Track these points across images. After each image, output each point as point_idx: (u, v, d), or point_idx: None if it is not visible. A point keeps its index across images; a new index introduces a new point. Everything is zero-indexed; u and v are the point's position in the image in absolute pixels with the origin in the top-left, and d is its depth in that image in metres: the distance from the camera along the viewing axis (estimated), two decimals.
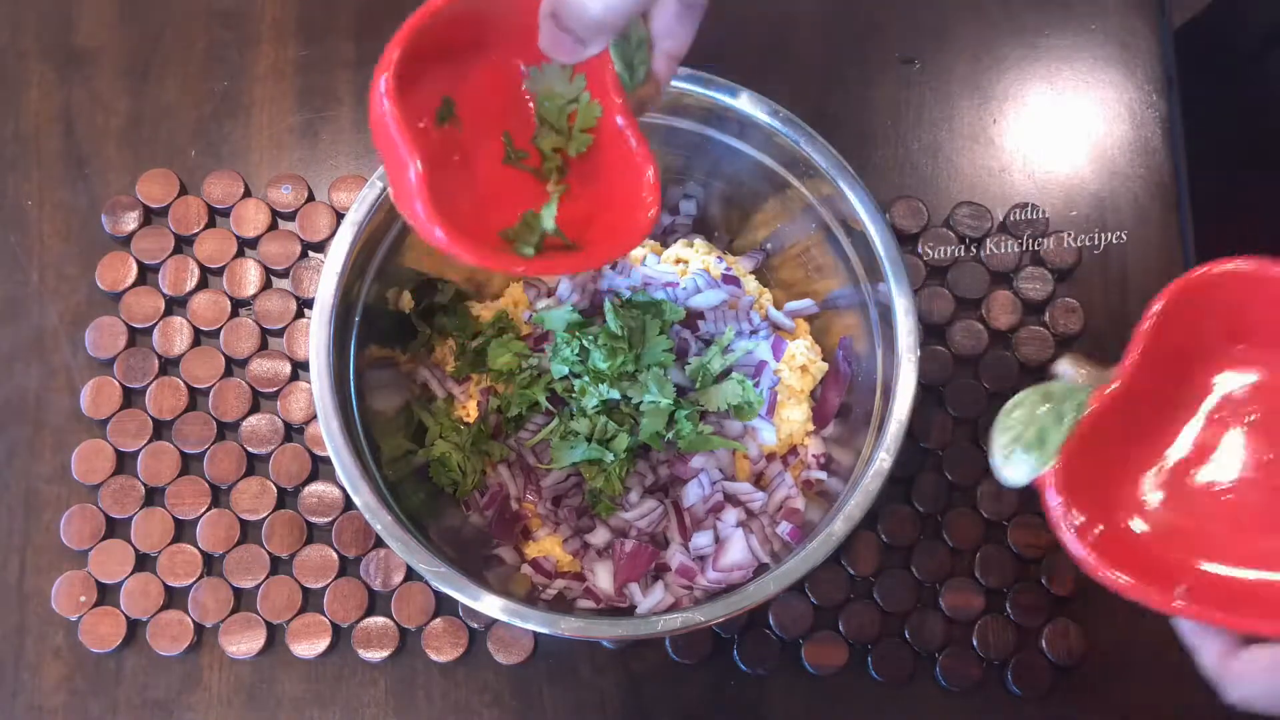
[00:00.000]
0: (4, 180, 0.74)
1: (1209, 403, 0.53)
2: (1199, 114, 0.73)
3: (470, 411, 0.63)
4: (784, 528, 0.60)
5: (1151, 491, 0.53)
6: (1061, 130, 0.74)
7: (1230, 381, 0.54)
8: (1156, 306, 0.52)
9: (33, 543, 0.67)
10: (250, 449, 0.68)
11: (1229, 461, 0.53)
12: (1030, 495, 0.53)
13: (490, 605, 0.52)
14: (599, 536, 0.61)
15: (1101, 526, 0.51)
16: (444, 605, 0.65)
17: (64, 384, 0.70)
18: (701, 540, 0.59)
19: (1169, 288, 0.51)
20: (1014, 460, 0.49)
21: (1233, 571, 0.50)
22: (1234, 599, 0.49)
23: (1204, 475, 0.53)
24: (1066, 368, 0.52)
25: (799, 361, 0.63)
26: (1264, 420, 0.52)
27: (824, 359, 0.64)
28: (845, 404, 0.62)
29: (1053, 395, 0.51)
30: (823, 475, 0.61)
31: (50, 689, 0.65)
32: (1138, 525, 0.52)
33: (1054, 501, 0.49)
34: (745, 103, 0.58)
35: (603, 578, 0.60)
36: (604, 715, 0.65)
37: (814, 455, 0.62)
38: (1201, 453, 0.53)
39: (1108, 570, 0.48)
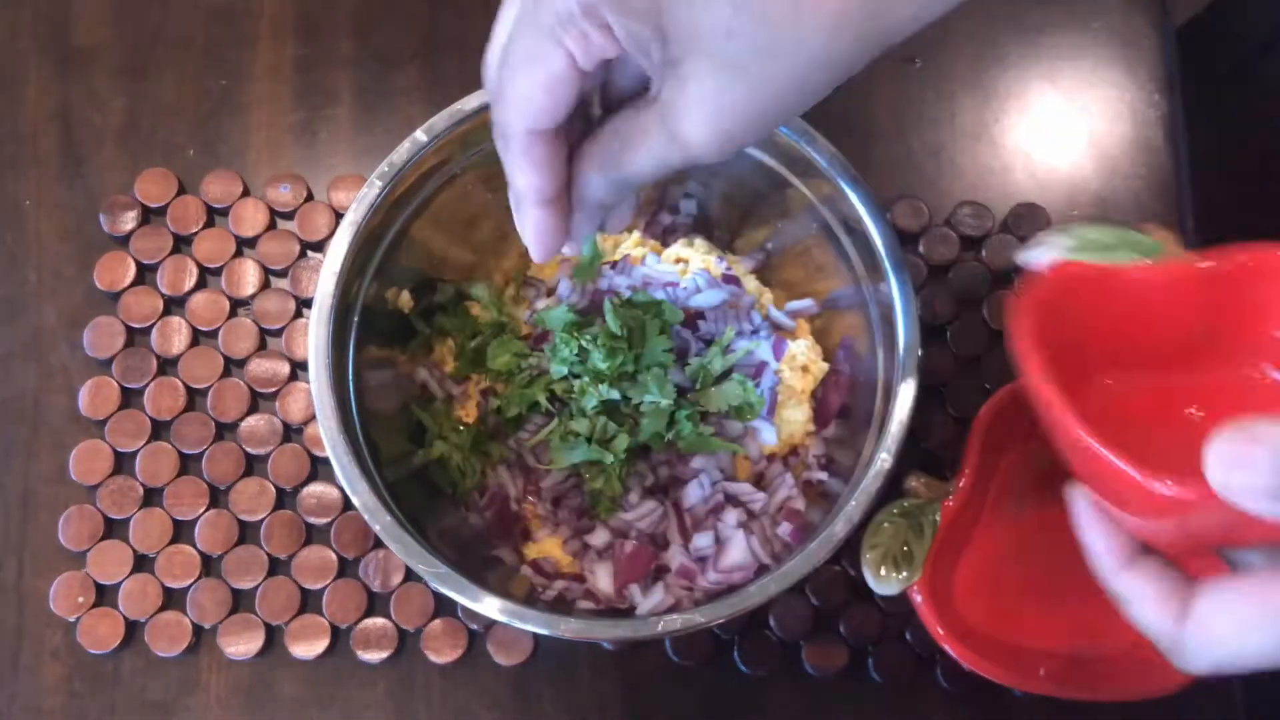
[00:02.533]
0: (1, 180, 0.74)
1: (1009, 497, 0.63)
2: (1201, 113, 0.73)
3: (470, 412, 0.63)
4: (785, 529, 0.59)
5: (972, 584, 0.62)
6: (1063, 129, 0.74)
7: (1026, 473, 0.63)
8: (983, 422, 0.60)
9: (31, 543, 0.67)
10: (249, 449, 0.68)
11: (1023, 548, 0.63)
12: None
13: (490, 606, 0.52)
14: (599, 538, 0.60)
15: (963, 621, 0.60)
16: (443, 606, 0.65)
17: (62, 384, 0.70)
18: (702, 541, 0.59)
19: (987, 404, 0.60)
20: (887, 577, 0.57)
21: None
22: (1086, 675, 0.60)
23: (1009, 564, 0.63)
24: (914, 485, 0.59)
25: (800, 361, 0.62)
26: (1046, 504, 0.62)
27: (825, 358, 0.64)
28: (846, 404, 0.62)
29: (910, 512, 0.58)
30: (824, 476, 0.61)
31: (48, 690, 0.65)
32: (983, 616, 0.61)
33: (923, 607, 0.57)
34: None
35: (603, 579, 0.59)
36: (604, 717, 0.64)
37: (815, 456, 0.62)
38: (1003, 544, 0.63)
39: (975, 660, 0.57)
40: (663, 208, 0.67)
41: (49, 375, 0.70)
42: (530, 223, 0.41)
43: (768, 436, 0.61)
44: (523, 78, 0.36)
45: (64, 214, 0.73)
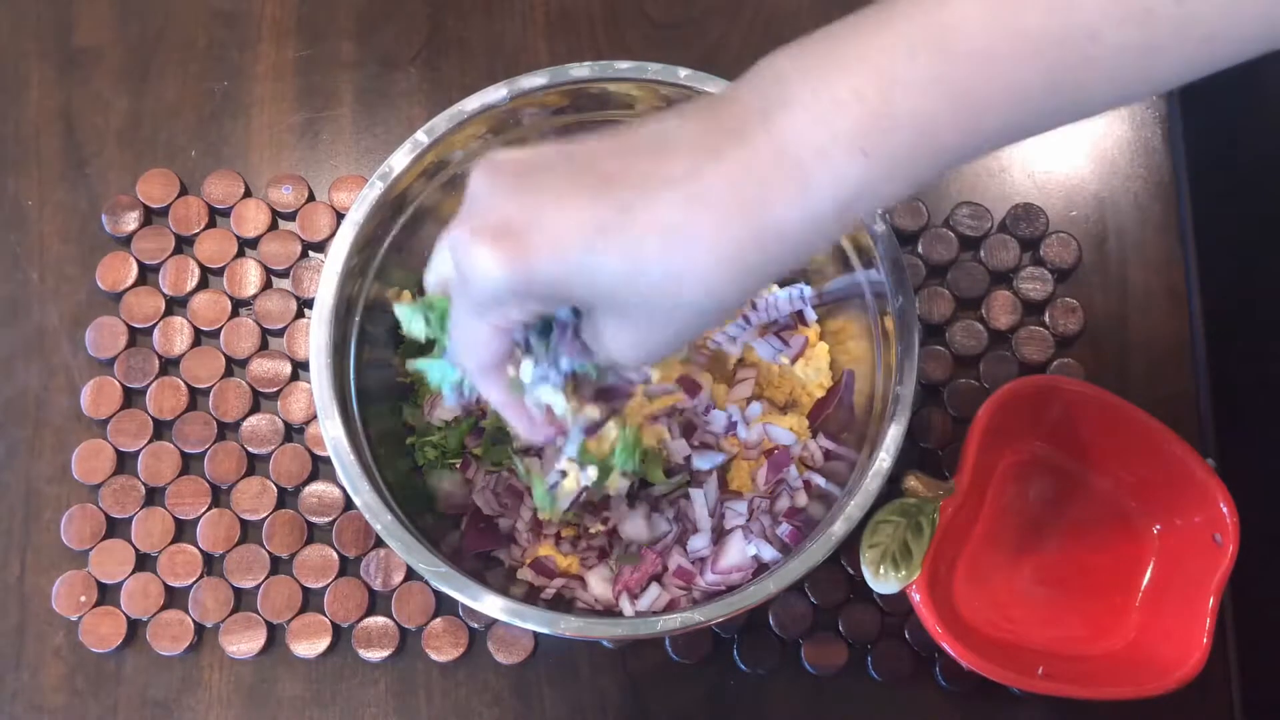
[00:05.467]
0: (4, 180, 0.74)
1: (1006, 497, 0.65)
2: (1199, 113, 0.73)
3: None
4: (784, 529, 0.60)
5: (970, 583, 0.63)
6: (1061, 130, 0.73)
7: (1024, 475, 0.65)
8: (981, 422, 0.60)
9: (33, 542, 0.68)
10: (250, 449, 0.68)
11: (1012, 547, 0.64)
12: None
13: (490, 605, 0.52)
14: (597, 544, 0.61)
15: (962, 620, 0.61)
16: (444, 605, 0.65)
17: (64, 384, 0.70)
18: (699, 543, 0.59)
19: (986, 404, 0.61)
20: (886, 576, 0.57)
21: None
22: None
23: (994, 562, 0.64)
24: (913, 484, 0.59)
25: (814, 380, 0.63)
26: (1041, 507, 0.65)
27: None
28: (845, 404, 0.62)
29: (909, 510, 0.58)
30: (821, 478, 0.61)
31: (50, 689, 0.65)
32: (982, 615, 0.62)
33: (922, 606, 0.57)
34: None
35: (596, 585, 0.59)
36: (604, 715, 0.65)
37: (815, 455, 0.62)
38: (995, 542, 0.64)
39: (973, 659, 0.57)
40: None
41: (51, 375, 0.70)
42: (514, 420, 0.47)
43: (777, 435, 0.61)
44: (462, 338, 0.44)
45: (66, 215, 0.73)
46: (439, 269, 0.47)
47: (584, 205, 0.38)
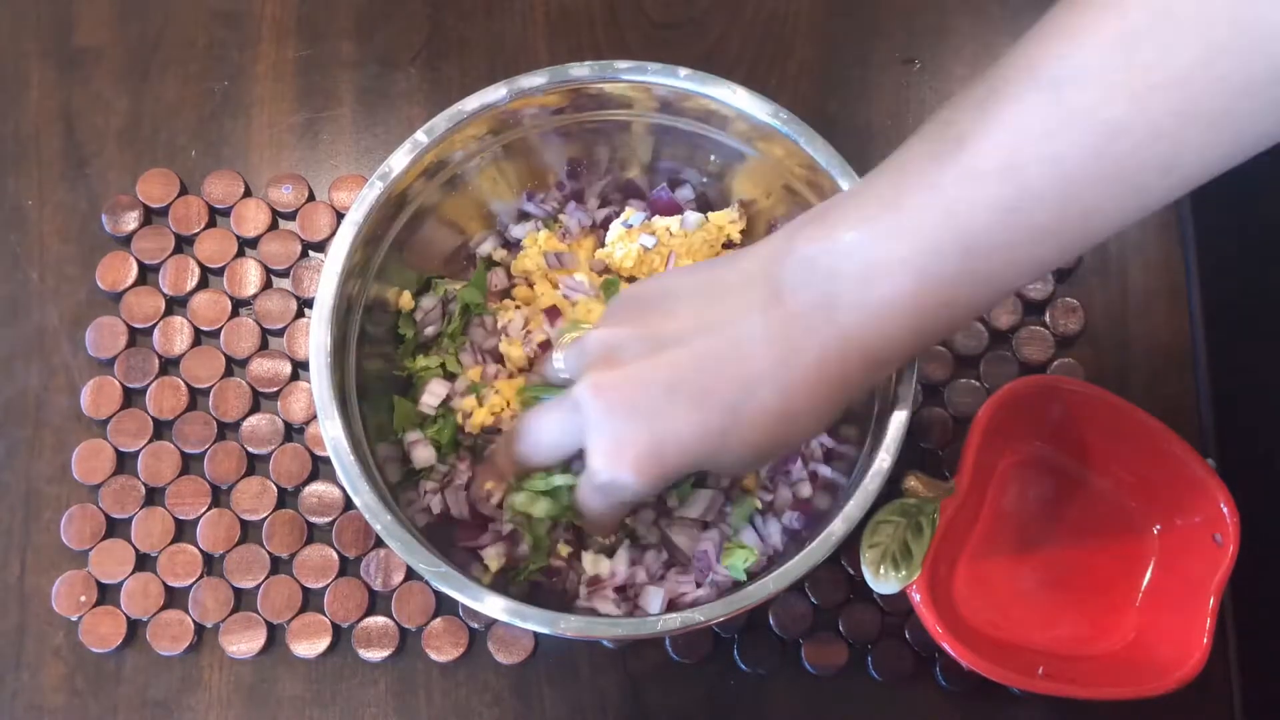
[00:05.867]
0: (4, 180, 0.74)
1: (1006, 497, 0.65)
2: None
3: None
4: (790, 517, 0.59)
5: (971, 583, 0.63)
6: None
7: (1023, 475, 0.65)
8: (981, 422, 0.60)
9: (33, 543, 0.67)
10: (250, 449, 0.68)
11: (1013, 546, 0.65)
12: None
13: (489, 605, 0.52)
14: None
15: (962, 620, 0.61)
16: (444, 605, 0.65)
17: (64, 384, 0.70)
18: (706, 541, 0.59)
19: (986, 404, 0.61)
20: (886, 576, 0.58)
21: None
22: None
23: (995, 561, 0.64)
24: (913, 484, 0.59)
25: None
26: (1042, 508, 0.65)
27: None
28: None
29: (909, 511, 0.59)
30: (828, 471, 0.61)
31: (50, 689, 0.65)
32: (982, 615, 0.62)
33: (922, 606, 0.58)
34: (745, 101, 0.58)
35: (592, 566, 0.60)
36: (604, 715, 0.65)
37: (815, 451, 0.62)
38: (994, 542, 0.64)
39: (974, 659, 0.57)
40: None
41: (51, 375, 0.70)
42: None
43: None
44: (589, 510, 0.55)
45: (66, 215, 0.73)
46: (541, 442, 0.54)
47: (698, 421, 0.46)
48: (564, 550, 0.60)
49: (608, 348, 0.48)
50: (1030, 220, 0.40)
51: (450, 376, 0.62)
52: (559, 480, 0.56)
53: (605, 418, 0.47)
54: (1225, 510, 0.59)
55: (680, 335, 0.46)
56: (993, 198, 0.40)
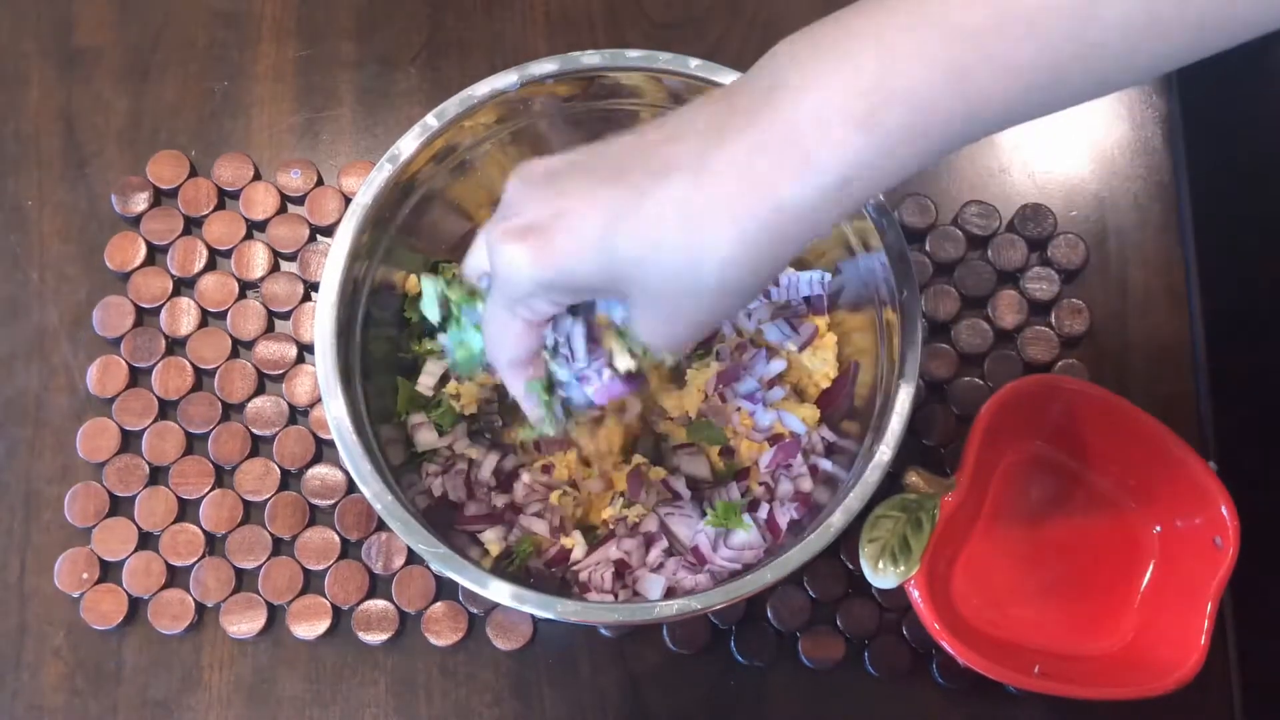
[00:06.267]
0: (4, 180, 0.74)
1: (1007, 496, 0.65)
2: (1199, 113, 0.73)
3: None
4: (791, 508, 0.60)
5: (969, 580, 0.63)
6: (1061, 130, 0.74)
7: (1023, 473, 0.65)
8: (983, 420, 0.60)
9: (33, 542, 0.68)
10: (255, 430, 0.68)
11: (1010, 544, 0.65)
12: None
13: (489, 588, 0.52)
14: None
15: (960, 617, 0.61)
16: (444, 589, 0.65)
17: (64, 384, 0.70)
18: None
19: (989, 403, 0.61)
20: (885, 570, 0.58)
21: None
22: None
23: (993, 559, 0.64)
24: (913, 479, 0.59)
25: (819, 369, 0.63)
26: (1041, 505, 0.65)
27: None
28: (848, 396, 0.62)
29: (909, 506, 0.59)
30: (828, 465, 0.61)
31: (50, 689, 0.66)
32: (980, 612, 0.62)
33: (920, 602, 0.58)
34: None
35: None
36: (604, 714, 0.65)
37: (817, 445, 0.62)
38: (994, 540, 0.64)
39: (971, 656, 0.57)
40: None
41: (51, 375, 0.70)
42: (529, 410, 0.50)
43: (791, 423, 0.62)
44: (495, 333, 0.47)
45: (67, 215, 0.73)
46: (475, 263, 0.49)
47: (601, 196, 0.40)
48: (569, 542, 0.60)
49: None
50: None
51: None
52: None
53: (515, 194, 0.43)
54: (1226, 513, 0.59)
55: (623, 136, 0.43)
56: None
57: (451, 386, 0.61)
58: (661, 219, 0.39)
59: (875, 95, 0.37)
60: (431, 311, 0.51)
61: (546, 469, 0.62)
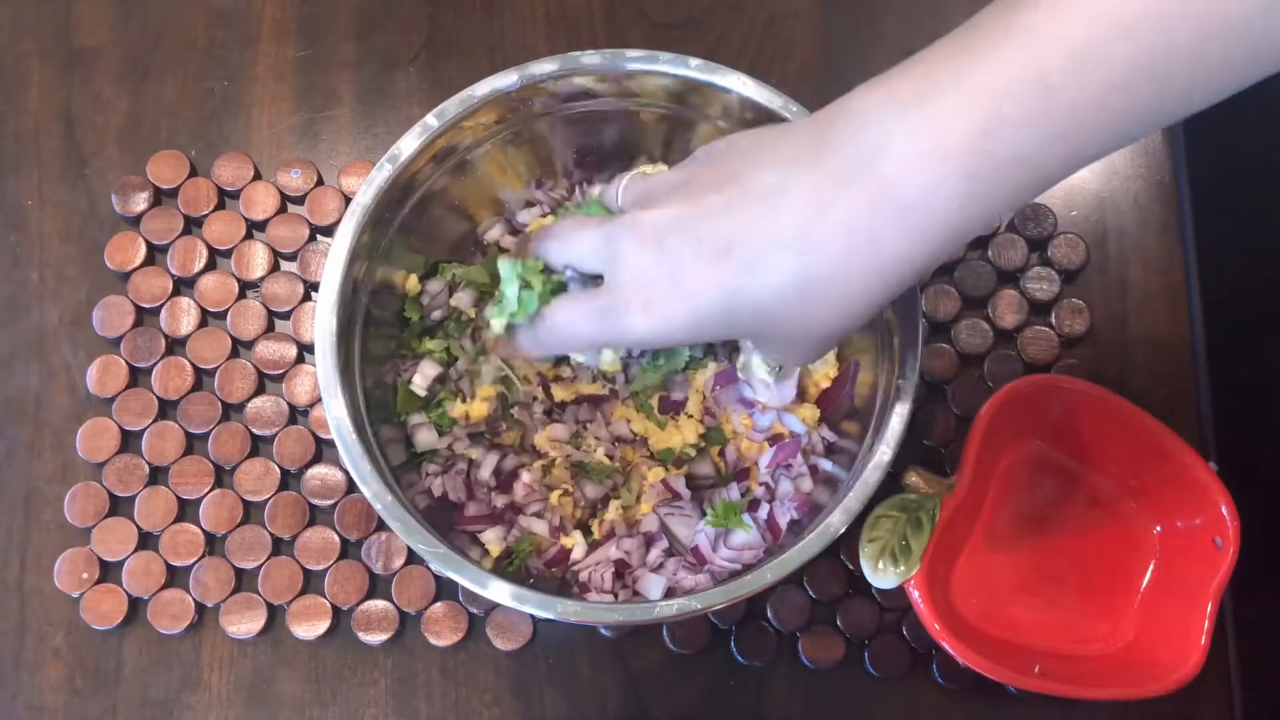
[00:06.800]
0: (4, 180, 0.74)
1: (1007, 496, 0.65)
2: (1199, 113, 0.73)
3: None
4: (790, 507, 0.60)
5: (969, 580, 0.63)
6: None
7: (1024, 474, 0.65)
8: (983, 420, 0.60)
9: (33, 542, 0.68)
10: (255, 430, 0.68)
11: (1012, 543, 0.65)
12: None
13: (488, 588, 0.52)
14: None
15: (960, 617, 0.61)
16: (444, 589, 0.65)
17: (64, 384, 0.70)
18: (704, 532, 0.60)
19: (989, 402, 0.61)
20: (885, 570, 0.58)
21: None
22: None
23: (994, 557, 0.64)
24: (914, 479, 0.59)
25: (819, 369, 0.63)
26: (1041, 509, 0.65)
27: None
28: (848, 396, 0.62)
29: (909, 506, 0.59)
30: (828, 465, 0.61)
31: (50, 689, 0.66)
32: (980, 613, 0.62)
33: (920, 602, 0.58)
34: (754, 92, 0.58)
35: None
36: (604, 714, 0.65)
37: (816, 445, 0.62)
38: (994, 538, 0.64)
39: (971, 656, 0.57)
40: None
41: (51, 375, 0.70)
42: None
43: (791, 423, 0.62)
44: (566, 332, 0.51)
45: (67, 214, 0.73)
46: (565, 257, 0.52)
47: (714, 270, 0.44)
48: (569, 542, 0.60)
49: (659, 191, 0.48)
50: (1106, 77, 0.37)
51: (453, 360, 0.62)
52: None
53: (633, 253, 0.46)
54: (1226, 513, 0.59)
55: (720, 184, 0.45)
56: (1071, 49, 0.37)
57: (460, 409, 0.61)
58: (773, 293, 0.43)
59: (981, 163, 0.39)
60: (511, 292, 0.52)
61: (546, 470, 0.62)
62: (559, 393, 0.62)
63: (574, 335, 0.51)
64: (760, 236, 0.43)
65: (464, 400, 0.62)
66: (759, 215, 0.43)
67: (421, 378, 0.61)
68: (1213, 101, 0.39)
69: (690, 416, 0.62)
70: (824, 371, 0.63)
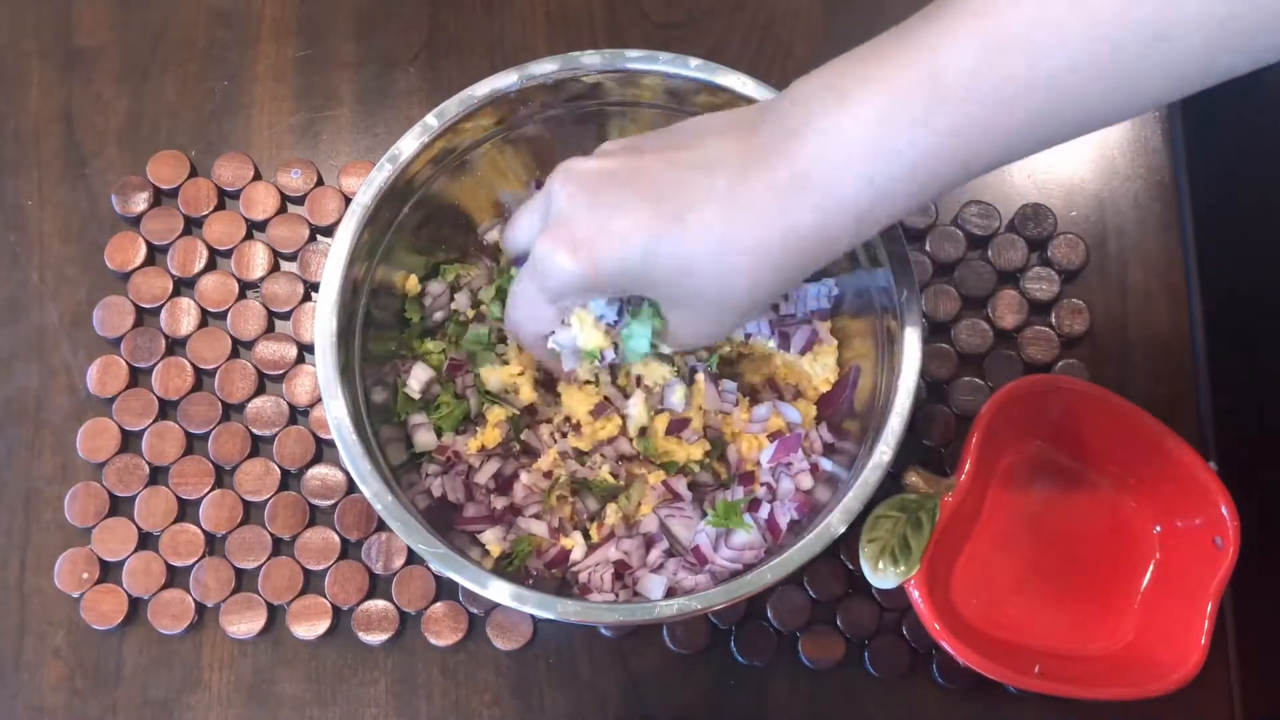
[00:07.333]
0: (4, 180, 0.74)
1: (1007, 496, 0.65)
2: (1199, 113, 0.73)
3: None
4: (790, 507, 0.60)
5: (969, 580, 0.64)
6: None
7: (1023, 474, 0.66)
8: (983, 420, 0.61)
9: (33, 542, 0.68)
10: (255, 430, 0.68)
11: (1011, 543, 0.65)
12: None
13: (488, 588, 0.52)
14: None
15: (960, 617, 0.62)
16: (444, 590, 0.65)
17: (64, 384, 0.70)
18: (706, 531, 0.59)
19: (989, 402, 0.61)
20: (885, 570, 0.58)
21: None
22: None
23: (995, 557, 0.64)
24: (913, 479, 0.60)
25: (820, 375, 0.63)
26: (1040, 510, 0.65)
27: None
28: (848, 400, 0.62)
29: (909, 506, 0.59)
30: (828, 464, 0.61)
31: (50, 689, 0.66)
32: (980, 612, 0.63)
33: (920, 602, 0.58)
34: (755, 92, 0.58)
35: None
36: (604, 714, 0.65)
37: (816, 444, 0.62)
38: (995, 539, 0.65)
39: (971, 656, 0.58)
40: None
41: (51, 375, 0.70)
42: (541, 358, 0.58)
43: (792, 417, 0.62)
44: (525, 311, 0.53)
45: (67, 214, 0.73)
46: (516, 239, 0.55)
47: (643, 216, 0.46)
48: (569, 543, 0.60)
49: (608, 150, 0.50)
50: (994, 88, 0.41)
51: (460, 368, 0.62)
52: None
53: (564, 202, 0.48)
54: (1226, 514, 0.59)
55: (662, 148, 0.48)
56: (977, 45, 0.41)
57: (473, 444, 0.61)
58: (696, 245, 0.45)
59: (878, 151, 0.42)
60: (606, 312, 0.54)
61: (548, 474, 0.61)
62: (569, 404, 0.61)
63: (521, 298, 0.53)
64: (692, 191, 0.45)
65: (479, 429, 0.62)
66: (692, 175, 0.46)
67: (416, 381, 0.61)
68: (1113, 122, 0.43)
69: (699, 436, 0.61)
70: (824, 377, 0.63)
